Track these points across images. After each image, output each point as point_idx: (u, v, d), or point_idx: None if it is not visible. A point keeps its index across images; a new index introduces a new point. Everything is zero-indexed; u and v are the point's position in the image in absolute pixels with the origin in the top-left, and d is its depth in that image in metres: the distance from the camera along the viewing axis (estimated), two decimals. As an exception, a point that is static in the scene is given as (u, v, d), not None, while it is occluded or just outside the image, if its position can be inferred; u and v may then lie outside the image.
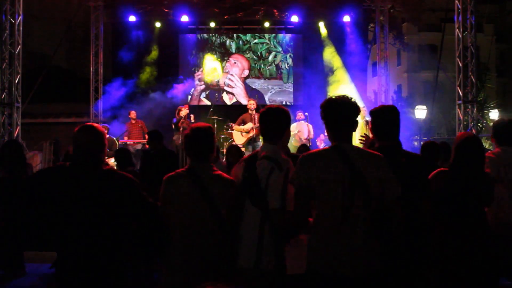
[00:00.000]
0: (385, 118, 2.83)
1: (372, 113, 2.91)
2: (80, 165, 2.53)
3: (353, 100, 2.47)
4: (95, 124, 2.65)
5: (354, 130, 2.46)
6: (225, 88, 13.72)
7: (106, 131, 9.93)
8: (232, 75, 13.77)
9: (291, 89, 13.82)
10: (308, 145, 9.80)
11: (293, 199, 2.41)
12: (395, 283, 2.58)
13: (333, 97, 2.47)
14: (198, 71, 13.67)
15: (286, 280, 2.52)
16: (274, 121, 2.66)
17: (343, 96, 2.47)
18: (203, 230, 2.62)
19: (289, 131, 2.78)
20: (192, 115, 10.18)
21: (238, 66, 13.83)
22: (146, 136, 10.62)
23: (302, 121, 10.34)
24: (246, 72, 13.82)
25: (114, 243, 2.49)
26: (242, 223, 2.61)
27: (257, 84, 13.80)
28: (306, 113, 10.45)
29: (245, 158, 2.76)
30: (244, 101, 13.10)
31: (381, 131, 2.85)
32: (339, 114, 2.42)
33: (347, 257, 2.27)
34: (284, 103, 13.54)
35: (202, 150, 2.71)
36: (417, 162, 2.82)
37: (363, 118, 8.51)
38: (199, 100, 13.61)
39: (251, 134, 9.38)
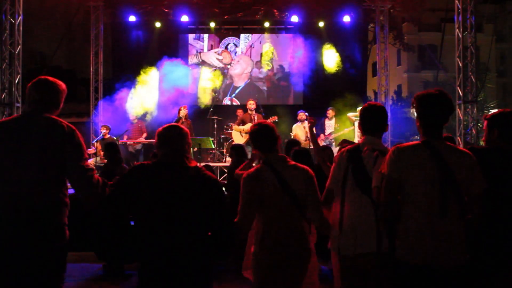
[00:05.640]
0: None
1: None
2: (168, 162, 2.52)
3: (448, 94, 2.58)
4: (179, 124, 2.67)
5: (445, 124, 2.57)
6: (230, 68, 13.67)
7: (107, 131, 10.11)
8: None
9: (290, 89, 13.81)
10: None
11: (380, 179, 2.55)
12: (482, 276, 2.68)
13: (431, 91, 2.58)
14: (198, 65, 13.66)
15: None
16: (378, 117, 2.89)
17: (438, 90, 2.57)
18: (287, 222, 2.77)
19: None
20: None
21: (241, 65, 13.81)
22: (144, 135, 10.74)
23: (299, 123, 10.03)
24: (249, 69, 13.79)
25: (200, 242, 2.46)
26: (352, 210, 2.74)
27: (259, 83, 13.81)
28: (306, 113, 10.34)
29: (349, 149, 2.90)
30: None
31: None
32: (436, 109, 2.52)
33: (443, 249, 2.38)
34: (283, 102, 13.55)
35: (269, 142, 2.89)
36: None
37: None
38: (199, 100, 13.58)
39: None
